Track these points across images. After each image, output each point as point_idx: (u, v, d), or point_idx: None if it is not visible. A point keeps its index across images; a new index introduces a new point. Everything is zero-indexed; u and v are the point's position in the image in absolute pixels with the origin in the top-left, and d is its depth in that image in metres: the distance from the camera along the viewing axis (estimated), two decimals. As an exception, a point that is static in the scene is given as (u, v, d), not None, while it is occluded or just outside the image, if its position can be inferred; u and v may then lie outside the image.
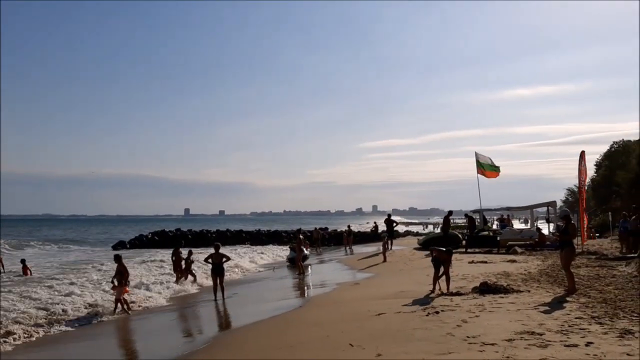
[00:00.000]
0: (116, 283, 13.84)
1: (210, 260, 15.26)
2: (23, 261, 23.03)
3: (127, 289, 14.26)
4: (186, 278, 18.93)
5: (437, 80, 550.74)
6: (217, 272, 15.02)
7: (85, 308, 13.58)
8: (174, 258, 19.47)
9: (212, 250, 15.65)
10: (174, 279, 18.78)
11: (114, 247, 41.88)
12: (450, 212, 26.98)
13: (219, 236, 44.95)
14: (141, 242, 43.49)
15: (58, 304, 13.63)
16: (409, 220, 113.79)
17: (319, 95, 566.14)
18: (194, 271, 19.31)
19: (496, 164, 29.09)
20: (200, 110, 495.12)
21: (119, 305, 13.54)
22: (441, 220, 37.76)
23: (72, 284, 17.14)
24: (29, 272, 22.13)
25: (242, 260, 27.06)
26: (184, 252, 19.61)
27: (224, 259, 15.29)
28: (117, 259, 14.64)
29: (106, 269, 21.70)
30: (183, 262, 19.24)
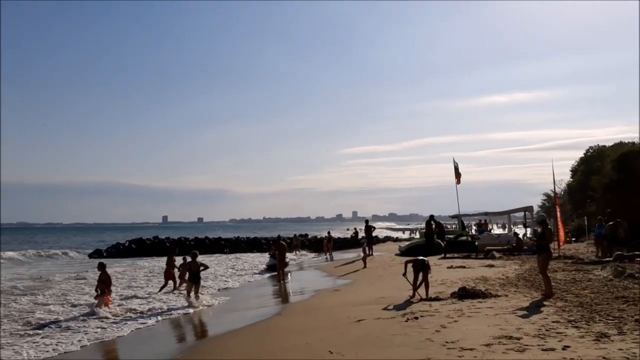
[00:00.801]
0: (99, 291, 13.65)
1: (187, 268, 15.12)
2: None
3: (110, 298, 14.02)
4: (180, 285, 18.30)
5: (416, 87, 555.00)
6: (194, 280, 14.87)
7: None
8: (168, 265, 18.89)
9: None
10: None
11: (90, 256, 41.25)
12: (431, 217, 27.02)
13: (198, 244, 44.52)
14: (118, 251, 42.89)
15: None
16: (398, 226, 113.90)
17: (299, 101, 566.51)
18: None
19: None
20: (178, 117, 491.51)
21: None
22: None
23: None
24: None
25: (220, 268, 26.85)
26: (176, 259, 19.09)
27: (202, 268, 15.15)
28: (101, 266, 14.43)
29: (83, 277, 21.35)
30: (176, 270, 18.64)
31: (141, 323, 12.30)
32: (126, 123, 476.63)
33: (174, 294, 17.30)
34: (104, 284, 13.87)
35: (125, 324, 12.17)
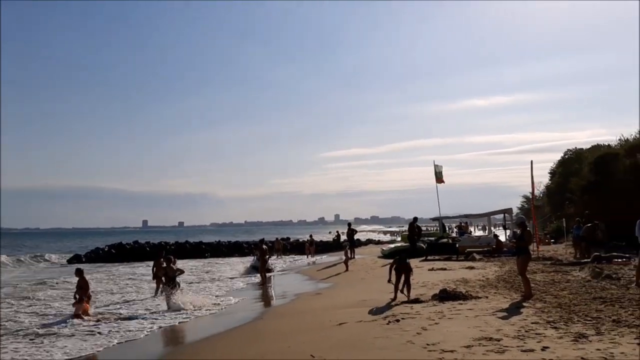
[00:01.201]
0: (77, 297, 13.48)
1: (162, 273, 14.97)
2: None
3: (87, 304, 13.79)
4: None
5: (398, 91, 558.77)
6: (171, 285, 14.76)
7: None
8: (154, 269, 18.71)
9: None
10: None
11: (69, 261, 40.59)
12: (415, 219, 26.86)
13: (178, 248, 44.11)
14: (97, 256, 42.21)
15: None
16: (388, 229, 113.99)
17: (282, 105, 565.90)
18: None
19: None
20: (160, 121, 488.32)
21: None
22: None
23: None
24: None
25: (198, 273, 26.64)
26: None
27: (178, 273, 15.06)
28: (79, 272, 14.24)
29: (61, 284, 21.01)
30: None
31: (123, 329, 12.12)
32: (106, 128, 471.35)
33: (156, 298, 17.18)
34: (82, 290, 13.66)
35: (109, 331, 11.95)
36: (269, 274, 21.85)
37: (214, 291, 19.05)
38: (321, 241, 50.28)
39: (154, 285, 18.40)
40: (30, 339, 11.21)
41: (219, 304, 15.32)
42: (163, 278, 17.58)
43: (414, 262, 17.11)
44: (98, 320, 12.96)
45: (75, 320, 12.82)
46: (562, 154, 44.27)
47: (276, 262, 30.29)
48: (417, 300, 11.57)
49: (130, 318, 13.38)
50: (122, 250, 43.35)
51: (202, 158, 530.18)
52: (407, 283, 12.27)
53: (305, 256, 38.09)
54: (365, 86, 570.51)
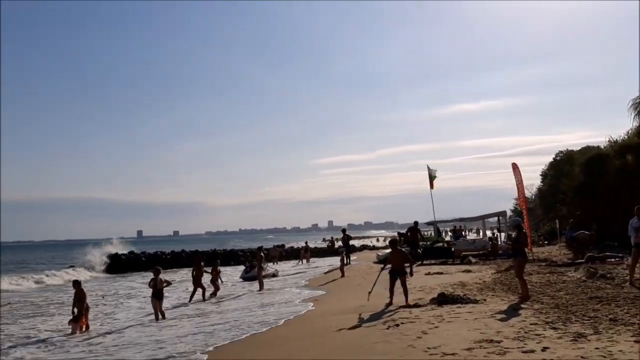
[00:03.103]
0: (76, 312, 13.33)
1: (151, 285, 14.92)
2: None
3: (84, 320, 13.64)
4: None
5: (389, 96, 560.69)
6: (158, 297, 14.77)
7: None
8: (194, 273, 19.72)
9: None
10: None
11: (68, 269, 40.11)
12: (416, 223, 26.52)
13: (174, 258, 43.96)
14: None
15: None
16: (389, 234, 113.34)
17: (274, 112, 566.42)
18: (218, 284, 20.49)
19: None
20: (151, 130, 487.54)
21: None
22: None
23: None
24: None
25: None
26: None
27: (165, 284, 15.08)
28: (76, 284, 14.15)
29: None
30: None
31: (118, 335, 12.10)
32: (99, 137, 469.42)
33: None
34: (80, 303, 13.55)
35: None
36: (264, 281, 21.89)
37: (213, 300, 19.04)
38: (315, 247, 50.50)
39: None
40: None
41: (210, 312, 15.36)
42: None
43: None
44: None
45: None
46: (553, 156, 44.55)
47: (271, 270, 30.20)
48: (415, 305, 11.61)
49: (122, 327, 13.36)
50: (117, 261, 42.87)
51: (195, 167, 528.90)
52: (404, 288, 12.31)
53: (301, 262, 38.16)
54: (356, 92, 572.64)
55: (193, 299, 18.99)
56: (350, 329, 9.74)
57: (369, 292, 12.88)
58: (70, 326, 13.36)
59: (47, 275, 33.38)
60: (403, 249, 15.75)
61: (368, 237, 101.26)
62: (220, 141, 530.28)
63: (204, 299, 19.01)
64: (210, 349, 9.79)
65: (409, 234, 26.53)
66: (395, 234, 47.24)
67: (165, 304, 17.97)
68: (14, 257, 77.26)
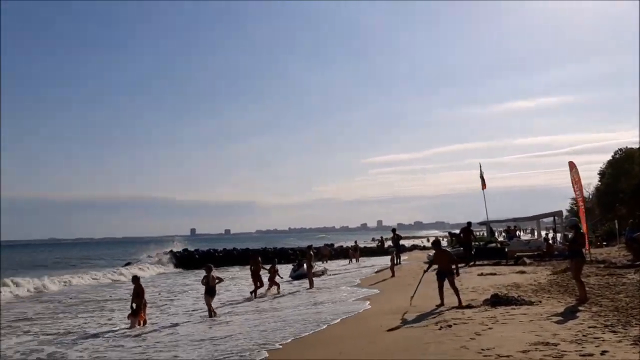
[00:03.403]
0: (134, 306, 13.81)
1: (204, 282, 15.24)
2: None
3: (143, 315, 14.12)
4: (270, 287, 20.54)
5: (440, 94, 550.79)
6: (211, 294, 15.08)
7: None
8: (252, 268, 20.19)
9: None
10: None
11: (123, 267, 41.56)
12: (469, 224, 26.07)
13: (226, 255, 44.84)
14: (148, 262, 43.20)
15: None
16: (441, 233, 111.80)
17: (322, 112, 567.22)
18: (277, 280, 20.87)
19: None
20: (205, 130, 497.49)
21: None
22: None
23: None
24: None
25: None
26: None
27: (217, 281, 15.38)
28: (135, 279, 14.64)
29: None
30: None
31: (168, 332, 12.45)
32: (155, 137, 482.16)
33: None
34: (138, 298, 14.04)
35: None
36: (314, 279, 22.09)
37: (266, 298, 19.33)
38: (365, 247, 50.50)
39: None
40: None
41: (263, 310, 15.60)
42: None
43: (461, 268, 17.02)
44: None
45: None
46: (612, 154, 42.89)
47: (321, 268, 30.38)
48: (468, 306, 11.49)
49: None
50: (173, 258, 44.25)
51: (246, 166, 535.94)
52: (454, 288, 12.17)
53: (350, 262, 38.23)
54: (407, 90, 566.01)
55: (257, 293, 19.50)
56: (401, 329, 9.75)
57: (412, 297, 12.88)
58: (130, 320, 13.87)
59: (114, 273, 34.32)
60: (448, 249, 15.61)
61: (418, 237, 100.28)
62: (271, 141, 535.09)
63: (254, 296, 19.32)
64: (270, 346, 9.87)
65: (461, 234, 26.13)
66: (447, 233, 46.67)
67: (222, 299, 18.44)
68: (78, 253, 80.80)
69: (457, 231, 28.34)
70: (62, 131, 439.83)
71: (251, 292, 19.65)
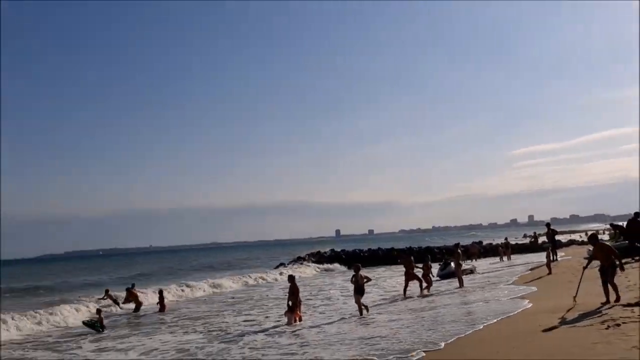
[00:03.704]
0: (290, 304, 14.56)
1: (353, 281, 15.52)
2: (130, 287, 21.95)
3: (298, 312, 14.83)
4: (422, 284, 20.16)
5: (587, 79, 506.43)
6: (360, 292, 15.27)
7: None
8: (405, 267, 20.14)
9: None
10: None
11: (276, 268, 43.90)
12: (636, 214, 23.52)
13: (371, 255, 45.31)
14: (298, 263, 45.08)
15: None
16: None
17: (460, 107, 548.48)
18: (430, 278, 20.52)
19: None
20: (348, 131, 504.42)
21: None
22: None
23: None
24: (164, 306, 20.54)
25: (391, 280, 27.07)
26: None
27: (366, 280, 15.57)
28: (291, 279, 15.36)
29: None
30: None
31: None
32: (297, 145, 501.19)
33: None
34: (294, 296, 14.77)
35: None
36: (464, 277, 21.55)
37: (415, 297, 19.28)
38: (516, 244, 48.17)
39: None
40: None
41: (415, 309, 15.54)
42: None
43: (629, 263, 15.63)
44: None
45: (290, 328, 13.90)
46: None
47: (471, 267, 29.54)
48: (637, 303, 10.54)
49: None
50: (320, 258, 45.81)
51: (384, 167, 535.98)
52: (612, 285, 11.32)
53: (500, 259, 36.69)
54: (550, 76, 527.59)
55: (406, 293, 19.38)
56: (563, 328, 9.27)
57: (575, 295, 12.13)
58: (286, 317, 14.66)
59: (269, 273, 36.42)
60: (607, 243, 14.36)
61: (575, 231, 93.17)
62: (406, 141, 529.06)
63: (404, 295, 19.29)
64: (424, 346, 9.83)
65: (629, 226, 23.70)
66: (608, 226, 42.79)
67: (372, 299, 18.69)
68: (236, 255, 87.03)
69: (622, 223, 25.77)
70: (230, 145, 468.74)
71: (405, 291, 19.55)
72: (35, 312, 18.70)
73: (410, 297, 18.97)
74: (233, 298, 23.96)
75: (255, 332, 13.71)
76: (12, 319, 17.38)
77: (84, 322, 16.83)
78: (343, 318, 15.13)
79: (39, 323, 17.87)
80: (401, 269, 22.04)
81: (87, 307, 20.87)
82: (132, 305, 20.96)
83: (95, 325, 16.19)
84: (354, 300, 15.69)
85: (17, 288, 37.04)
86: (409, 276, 19.81)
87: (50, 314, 18.84)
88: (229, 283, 30.28)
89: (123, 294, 22.01)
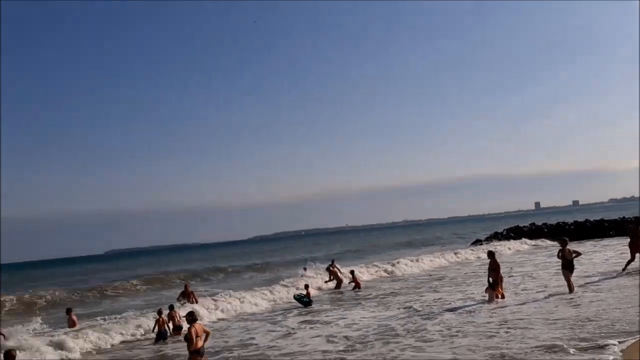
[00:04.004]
0: (491, 280, 14.42)
1: (559, 256, 14.69)
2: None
3: (500, 289, 14.59)
4: None
5: None
6: (568, 268, 14.39)
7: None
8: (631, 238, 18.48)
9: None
10: None
11: (473, 244, 42.99)
12: None
13: (577, 228, 41.83)
14: (496, 239, 43.51)
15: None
16: None
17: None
18: None
19: None
20: (523, 100, 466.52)
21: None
22: None
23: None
24: None
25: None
26: None
27: (575, 255, 14.54)
28: (490, 254, 15.15)
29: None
30: None
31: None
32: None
33: None
34: (494, 273, 14.48)
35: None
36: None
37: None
38: None
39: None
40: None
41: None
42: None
43: None
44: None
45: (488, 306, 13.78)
46: None
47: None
48: None
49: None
50: (519, 232, 43.80)
51: (592, 131, 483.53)
52: None
53: None
54: None
55: (627, 268, 17.76)
56: None
57: None
58: (487, 294, 14.48)
59: (464, 251, 36.01)
60: None
61: None
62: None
63: (624, 270, 17.69)
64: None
65: None
66: None
67: (583, 275, 17.47)
68: (430, 233, 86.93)
69: None
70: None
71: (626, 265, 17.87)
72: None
73: (629, 274, 17.21)
74: (430, 275, 24.13)
75: (452, 310, 13.85)
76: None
77: (294, 297, 18.44)
78: (550, 295, 14.50)
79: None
80: (611, 243, 20.04)
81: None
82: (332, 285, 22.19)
83: (303, 299, 17.72)
84: (563, 277, 14.90)
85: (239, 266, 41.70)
86: (636, 248, 17.91)
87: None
88: (427, 259, 30.36)
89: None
